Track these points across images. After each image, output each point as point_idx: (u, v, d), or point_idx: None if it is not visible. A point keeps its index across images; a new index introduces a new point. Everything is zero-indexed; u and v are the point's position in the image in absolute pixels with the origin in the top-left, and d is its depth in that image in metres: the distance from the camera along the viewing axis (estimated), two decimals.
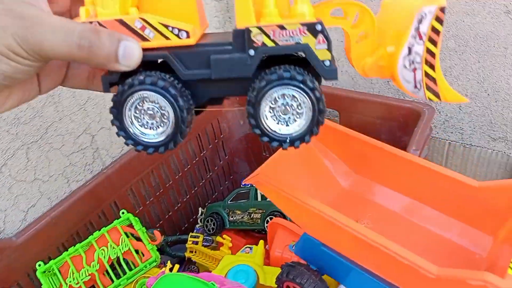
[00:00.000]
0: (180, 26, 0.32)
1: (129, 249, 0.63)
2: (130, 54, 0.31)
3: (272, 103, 0.32)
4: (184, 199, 0.88)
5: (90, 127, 0.72)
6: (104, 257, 0.62)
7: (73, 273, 0.61)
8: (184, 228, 0.90)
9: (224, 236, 0.75)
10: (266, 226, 0.68)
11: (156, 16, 0.32)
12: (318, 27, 0.30)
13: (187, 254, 0.78)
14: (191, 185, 0.89)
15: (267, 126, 0.32)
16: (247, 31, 0.31)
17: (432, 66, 0.30)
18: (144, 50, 0.32)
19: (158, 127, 0.33)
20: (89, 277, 0.61)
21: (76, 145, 0.71)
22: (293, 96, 0.31)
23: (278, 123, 0.32)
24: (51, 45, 0.30)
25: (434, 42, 0.30)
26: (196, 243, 0.78)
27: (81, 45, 0.30)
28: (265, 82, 0.31)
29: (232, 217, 0.78)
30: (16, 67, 0.30)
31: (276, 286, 0.56)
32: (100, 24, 0.32)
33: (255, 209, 0.74)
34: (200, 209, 0.89)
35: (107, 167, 0.74)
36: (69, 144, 0.70)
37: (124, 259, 0.63)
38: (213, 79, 0.32)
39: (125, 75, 0.33)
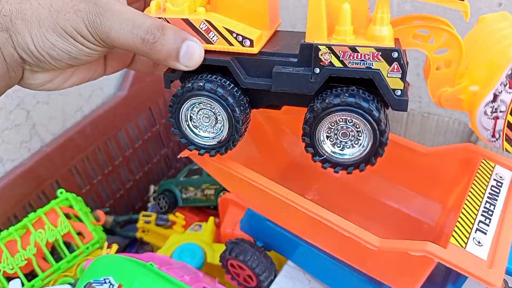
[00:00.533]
0: (245, 33, 0.31)
1: (69, 231, 0.59)
2: (191, 55, 0.31)
3: (331, 125, 0.30)
4: (137, 177, 0.84)
5: (24, 101, 0.66)
6: (42, 240, 0.58)
7: (7, 259, 0.57)
8: (138, 207, 0.86)
9: (177, 214, 0.72)
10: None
11: (223, 19, 0.31)
12: (395, 55, 0.27)
13: (139, 234, 0.74)
14: (143, 162, 0.85)
15: (322, 147, 0.31)
16: (316, 48, 0.29)
17: None
18: (207, 52, 0.32)
19: (212, 132, 0.33)
20: (25, 261, 0.57)
21: (9, 121, 0.65)
22: (355, 123, 0.29)
23: (333, 145, 0.31)
24: (117, 35, 0.31)
25: None
26: (149, 222, 0.74)
27: (145, 39, 0.31)
28: (326, 104, 0.29)
29: (185, 194, 0.74)
30: (82, 49, 0.32)
31: None
32: (167, 21, 0.32)
33: (208, 184, 0.71)
34: (152, 186, 0.85)
35: (46, 145, 0.68)
36: (0, 120, 0.64)
37: (64, 241, 0.59)
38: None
39: (187, 74, 0.32)
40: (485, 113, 0.28)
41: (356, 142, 0.30)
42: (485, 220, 0.30)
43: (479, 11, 0.61)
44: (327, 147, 0.31)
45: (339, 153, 0.31)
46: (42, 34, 0.31)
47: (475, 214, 0.31)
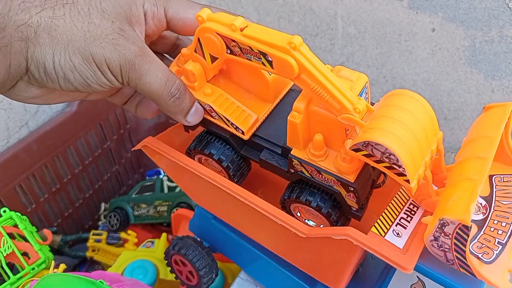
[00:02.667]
0: (239, 124, 0.36)
1: (13, 251, 0.56)
2: (197, 114, 0.37)
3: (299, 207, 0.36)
4: (87, 195, 0.82)
5: None
6: None
7: None
8: (88, 226, 0.83)
9: (129, 231, 0.71)
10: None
11: (225, 105, 0.36)
12: (351, 188, 0.32)
13: (89, 254, 0.72)
14: (93, 179, 0.83)
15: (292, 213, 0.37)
16: (290, 156, 0.34)
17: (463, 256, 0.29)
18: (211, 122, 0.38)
19: None
20: None
21: None
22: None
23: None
24: (151, 81, 0.33)
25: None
26: (100, 241, 0.72)
27: (173, 94, 0.34)
28: (295, 196, 0.35)
29: (137, 211, 0.73)
30: (101, 80, 0.32)
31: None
32: None
33: (161, 201, 0.71)
34: (103, 204, 0.83)
35: None
36: None
37: (8, 263, 0.57)
38: None
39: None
40: (432, 245, 0.30)
41: (316, 219, 0.36)
42: (406, 217, 0.33)
43: (415, 35, 0.67)
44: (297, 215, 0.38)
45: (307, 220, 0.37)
46: (67, 54, 0.31)
47: (398, 211, 0.33)
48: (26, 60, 0.30)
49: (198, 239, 0.47)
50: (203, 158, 0.40)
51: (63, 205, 0.78)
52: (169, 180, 0.73)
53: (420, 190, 0.33)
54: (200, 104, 0.37)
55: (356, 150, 0.29)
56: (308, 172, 0.34)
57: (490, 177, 0.35)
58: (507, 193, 0.34)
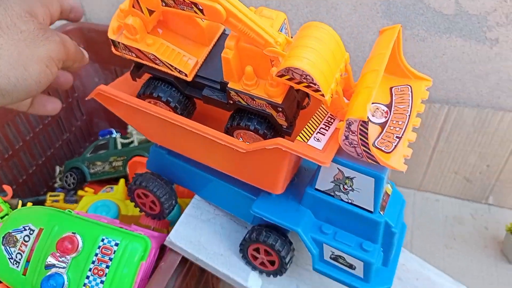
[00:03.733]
0: (181, 67, 0.41)
1: None
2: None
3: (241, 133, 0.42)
4: (40, 162, 0.84)
5: None
6: None
7: None
8: (43, 192, 0.85)
9: (86, 188, 0.74)
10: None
11: (167, 50, 0.41)
12: (280, 109, 0.38)
13: None
14: (45, 147, 0.85)
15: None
16: (228, 89, 0.39)
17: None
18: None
19: None
20: None
21: None
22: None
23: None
24: (69, 48, 0.42)
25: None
26: (57, 201, 0.75)
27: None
28: (236, 124, 0.41)
29: (92, 169, 0.77)
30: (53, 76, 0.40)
31: (138, 213, 0.58)
32: (125, 46, 0.41)
33: (115, 157, 0.74)
34: (57, 167, 0.85)
35: None
36: None
37: None
38: None
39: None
40: (345, 144, 0.37)
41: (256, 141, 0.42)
42: (325, 127, 0.39)
43: None
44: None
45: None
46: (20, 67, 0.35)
47: (318, 123, 0.40)
48: None
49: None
50: (152, 101, 0.44)
51: (17, 172, 0.79)
52: (122, 137, 0.77)
53: (335, 104, 0.39)
54: (144, 54, 0.41)
55: (281, 76, 0.35)
56: (244, 100, 0.39)
57: (391, 88, 0.43)
58: (403, 99, 0.42)
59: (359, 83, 0.38)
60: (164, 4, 0.37)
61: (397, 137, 0.38)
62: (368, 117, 0.35)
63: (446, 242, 0.84)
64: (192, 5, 0.36)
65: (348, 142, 0.36)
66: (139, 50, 0.41)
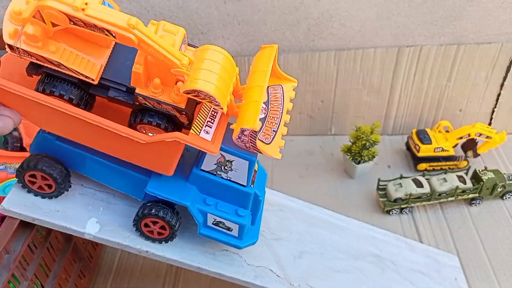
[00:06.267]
0: (87, 72, 0.42)
1: None
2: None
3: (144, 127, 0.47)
4: None
5: None
6: None
7: None
8: None
9: None
10: None
11: (71, 57, 0.41)
12: (183, 112, 0.44)
13: None
14: None
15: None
16: (136, 94, 0.43)
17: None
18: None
19: None
20: None
21: None
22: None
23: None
24: None
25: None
26: None
27: None
28: (139, 120, 0.46)
29: None
30: None
31: None
32: (25, 51, 0.40)
33: None
34: None
35: None
36: None
37: None
38: None
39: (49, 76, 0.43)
40: (237, 141, 0.46)
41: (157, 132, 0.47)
42: (211, 120, 0.47)
43: None
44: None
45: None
46: None
47: (205, 116, 0.47)
48: None
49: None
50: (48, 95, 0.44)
51: None
52: None
53: (228, 107, 0.45)
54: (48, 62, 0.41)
55: (187, 93, 0.42)
56: (150, 104, 0.44)
57: (267, 88, 0.50)
58: (276, 98, 0.50)
59: (246, 94, 0.46)
60: (72, 23, 0.38)
61: (273, 130, 0.47)
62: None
63: (300, 173, 0.97)
64: (105, 30, 0.38)
65: (240, 140, 0.46)
66: (42, 57, 0.41)
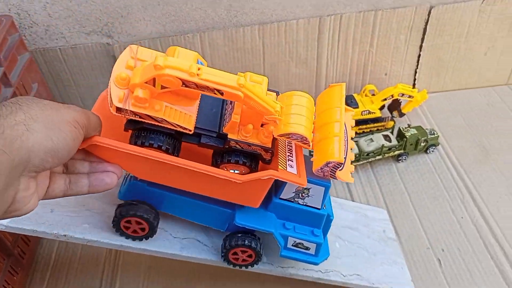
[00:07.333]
0: (186, 125, 0.45)
1: None
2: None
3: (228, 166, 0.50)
4: None
5: None
6: None
7: None
8: None
9: None
10: None
11: (172, 112, 0.44)
12: (269, 151, 0.49)
13: None
14: None
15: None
16: (229, 139, 0.47)
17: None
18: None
19: None
20: None
21: None
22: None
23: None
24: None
25: None
26: None
27: None
28: (226, 160, 0.49)
29: None
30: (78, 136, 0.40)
31: None
32: (132, 112, 0.43)
33: None
34: None
35: None
36: None
37: None
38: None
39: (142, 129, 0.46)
40: (317, 172, 0.50)
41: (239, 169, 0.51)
42: (290, 154, 0.51)
43: None
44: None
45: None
46: (56, 129, 0.37)
47: (285, 152, 0.52)
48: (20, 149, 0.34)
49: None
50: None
51: None
52: None
53: None
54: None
55: (281, 136, 0.47)
56: (240, 146, 0.48)
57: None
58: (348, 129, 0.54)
59: (325, 129, 0.51)
60: (184, 86, 0.41)
61: (344, 157, 0.50)
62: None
63: None
64: (215, 90, 0.42)
65: (321, 170, 0.50)
66: (147, 115, 0.44)
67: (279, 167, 0.49)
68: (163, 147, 0.46)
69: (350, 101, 0.97)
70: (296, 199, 0.54)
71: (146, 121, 0.44)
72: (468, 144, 0.96)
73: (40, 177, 0.39)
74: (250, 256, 0.56)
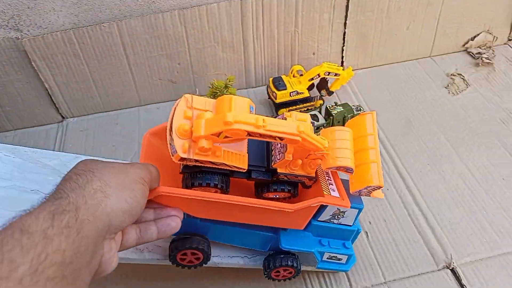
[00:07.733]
0: (240, 165, 0.49)
1: None
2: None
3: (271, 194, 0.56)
4: None
5: None
6: None
7: None
8: None
9: None
10: None
11: (230, 156, 0.48)
12: (314, 179, 0.54)
13: None
14: None
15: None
16: (278, 173, 0.52)
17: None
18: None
19: None
20: None
21: None
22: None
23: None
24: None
25: None
26: None
27: None
28: (272, 189, 0.54)
29: None
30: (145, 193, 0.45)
31: None
32: (196, 161, 0.46)
33: None
34: None
35: None
36: None
37: None
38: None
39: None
40: (356, 193, 0.56)
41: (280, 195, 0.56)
42: (329, 179, 0.57)
43: None
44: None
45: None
46: (126, 190, 0.41)
47: (326, 180, 0.57)
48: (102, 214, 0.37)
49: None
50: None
51: None
52: None
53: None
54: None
55: (329, 169, 0.54)
56: (287, 177, 0.53)
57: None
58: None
59: (360, 156, 0.55)
60: (247, 135, 0.45)
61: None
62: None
63: None
64: (277, 138, 0.46)
65: (359, 192, 0.55)
66: (209, 162, 0.47)
67: (324, 192, 0.54)
68: (218, 186, 0.50)
69: (278, 83, 0.97)
70: (331, 220, 0.60)
71: (206, 165, 0.48)
72: (394, 117, 0.99)
73: (117, 234, 0.42)
74: (290, 272, 0.63)
